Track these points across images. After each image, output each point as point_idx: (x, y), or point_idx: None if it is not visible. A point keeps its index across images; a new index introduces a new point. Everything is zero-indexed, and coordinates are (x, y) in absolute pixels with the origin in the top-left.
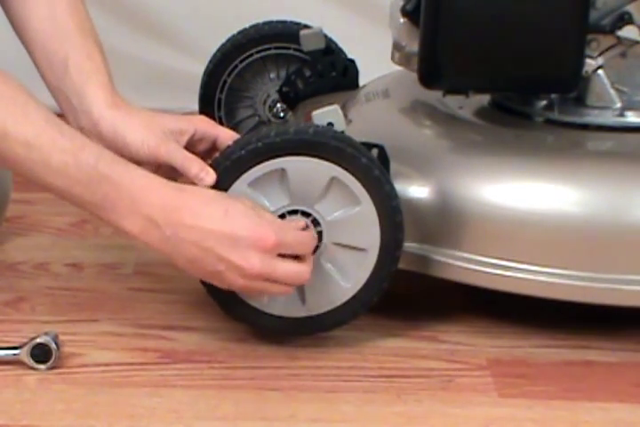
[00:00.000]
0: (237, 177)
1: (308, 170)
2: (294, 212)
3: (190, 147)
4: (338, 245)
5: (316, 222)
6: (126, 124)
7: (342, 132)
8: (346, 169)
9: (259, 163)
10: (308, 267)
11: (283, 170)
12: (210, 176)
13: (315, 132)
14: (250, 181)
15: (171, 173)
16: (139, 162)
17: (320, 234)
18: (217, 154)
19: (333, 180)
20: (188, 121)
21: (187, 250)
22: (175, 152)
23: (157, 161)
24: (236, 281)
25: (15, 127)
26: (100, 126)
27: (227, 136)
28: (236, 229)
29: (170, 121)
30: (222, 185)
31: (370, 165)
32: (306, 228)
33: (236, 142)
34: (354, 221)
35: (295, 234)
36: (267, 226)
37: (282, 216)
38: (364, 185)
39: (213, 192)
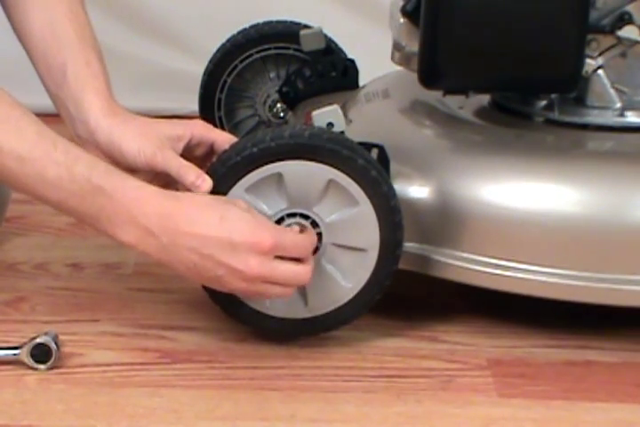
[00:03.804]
0: (234, 183)
1: (305, 173)
2: (293, 215)
3: (188, 152)
4: (338, 246)
5: (314, 224)
6: (122, 132)
7: (342, 132)
8: (343, 171)
9: (255, 168)
10: (307, 268)
11: (279, 174)
12: (206, 183)
13: (310, 135)
14: (247, 187)
15: (168, 180)
16: (136, 170)
17: (319, 235)
18: (214, 158)
19: (330, 182)
20: (184, 127)
21: (185, 257)
22: (171, 160)
23: (154, 169)
24: (237, 284)
25: (8, 142)
26: (96, 136)
27: (224, 140)
28: (232, 235)
29: (166, 128)
30: (219, 192)
31: (367, 166)
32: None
33: (231, 148)
34: (353, 221)
35: (293, 236)
36: (263, 229)
37: (280, 219)
38: (361, 186)
39: (209, 197)
